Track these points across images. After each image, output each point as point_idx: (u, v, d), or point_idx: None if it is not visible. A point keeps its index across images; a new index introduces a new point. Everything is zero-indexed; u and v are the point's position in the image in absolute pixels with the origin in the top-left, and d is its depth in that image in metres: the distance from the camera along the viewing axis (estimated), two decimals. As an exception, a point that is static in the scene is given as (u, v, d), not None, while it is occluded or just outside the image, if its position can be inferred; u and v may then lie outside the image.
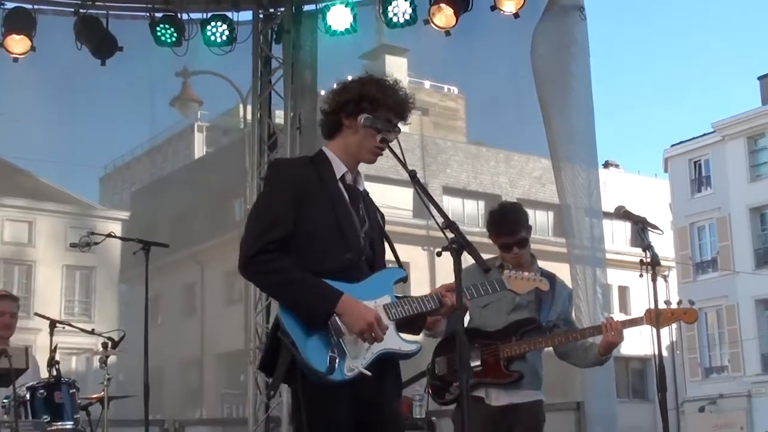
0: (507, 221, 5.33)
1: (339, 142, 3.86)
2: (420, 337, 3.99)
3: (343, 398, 3.58)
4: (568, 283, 7.58)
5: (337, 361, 3.54)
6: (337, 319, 3.57)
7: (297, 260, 3.64)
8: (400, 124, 3.87)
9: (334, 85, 3.96)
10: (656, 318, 4.76)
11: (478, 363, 5.06)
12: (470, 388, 4.92)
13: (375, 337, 3.61)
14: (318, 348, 3.55)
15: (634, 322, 5.20)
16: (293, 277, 3.61)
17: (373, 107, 3.78)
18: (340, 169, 3.83)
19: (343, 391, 3.57)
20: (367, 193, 3.95)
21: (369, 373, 3.59)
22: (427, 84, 32.60)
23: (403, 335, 3.76)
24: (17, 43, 8.62)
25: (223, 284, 33.94)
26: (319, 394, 3.54)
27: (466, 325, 4.37)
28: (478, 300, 4.44)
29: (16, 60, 8.64)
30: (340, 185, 3.81)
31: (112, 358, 6.62)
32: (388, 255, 3.97)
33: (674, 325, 35.10)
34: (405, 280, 3.86)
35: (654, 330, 4.69)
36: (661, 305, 4.88)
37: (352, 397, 3.59)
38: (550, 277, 5.19)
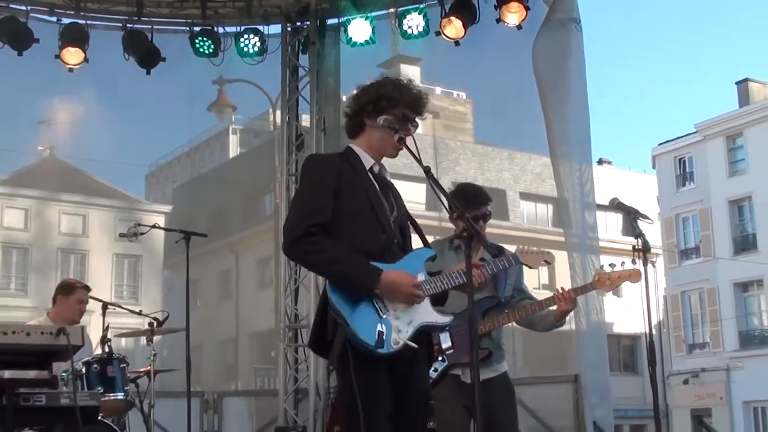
0: (472, 196, 5.08)
1: (363, 140, 3.82)
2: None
3: (385, 370, 3.54)
4: (567, 268, 7.56)
5: (384, 335, 3.50)
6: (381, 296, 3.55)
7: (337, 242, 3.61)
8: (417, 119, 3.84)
9: (354, 91, 3.94)
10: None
11: (449, 344, 4.87)
12: (446, 369, 4.84)
13: (420, 297, 3.60)
14: (366, 323, 3.50)
15: (584, 289, 5.08)
16: (338, 255, 3.57)
17: (390, 105, 3.75)
18: (368, 161, 3.79)
19: (385, 364, 3.53)
20: (392, 184, 3.90)
21: (415, 346, 3.55)
22: (438, 90, 32.44)
23: (437, 309, 3.71)
24: (72, 55, 8.67)
25: (255, 270, 33.96)
26: (368, 366, 3.49)
27: None
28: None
29: (71, 70, 8.68)
30: (370, 175, 3.78)
31: (157, 336, 6.64)
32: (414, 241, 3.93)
33: (662, 306, 35.07)
34: (434, 258, 3.81)
35: (645, 312, 4.61)
36: (607, 269, 4.79)
37: (389, 371, 3.56)
38: (499, 249, 4.90)
